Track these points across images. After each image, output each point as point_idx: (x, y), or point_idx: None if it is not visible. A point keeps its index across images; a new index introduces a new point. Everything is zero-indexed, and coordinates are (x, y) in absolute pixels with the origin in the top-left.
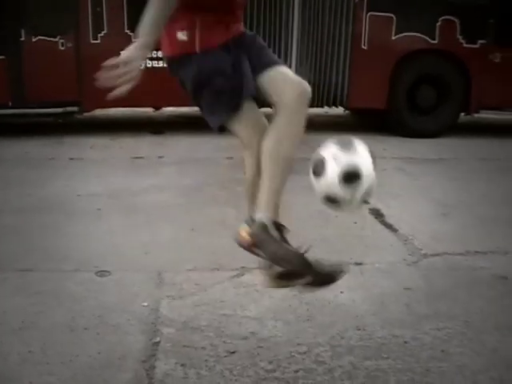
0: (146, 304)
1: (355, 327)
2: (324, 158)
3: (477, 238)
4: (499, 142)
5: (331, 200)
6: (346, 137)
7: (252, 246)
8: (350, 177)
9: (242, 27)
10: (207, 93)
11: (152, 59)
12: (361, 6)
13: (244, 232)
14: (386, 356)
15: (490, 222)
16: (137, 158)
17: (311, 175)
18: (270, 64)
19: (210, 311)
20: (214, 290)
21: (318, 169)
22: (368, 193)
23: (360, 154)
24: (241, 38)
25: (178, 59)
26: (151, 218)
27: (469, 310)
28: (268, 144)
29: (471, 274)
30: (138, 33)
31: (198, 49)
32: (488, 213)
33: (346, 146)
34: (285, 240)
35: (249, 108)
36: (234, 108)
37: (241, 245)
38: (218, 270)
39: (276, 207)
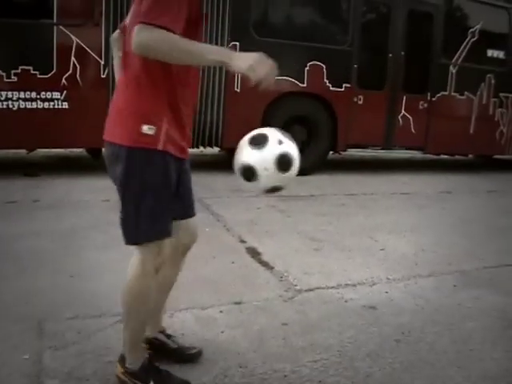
0: (27, 356)
1: (237, 364)
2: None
3: (346, 270)
4: (365, 177)
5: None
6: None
7: None
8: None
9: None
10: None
11: (25, 100)
12: (234, 50)
13: (119, 370)
14: None
15: (358, 255)
16: (10, 202)
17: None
18: (190, 210)
19: (95, 359)
20: (98, 337)
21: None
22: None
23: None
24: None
25: (137, 151)
26: (27, 265)
27: (342, 339)
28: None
29: (342, 306)
30: (222, 52)
31: (160, 146)
32: (355, 246)
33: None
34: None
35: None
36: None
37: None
38: (100, 316)
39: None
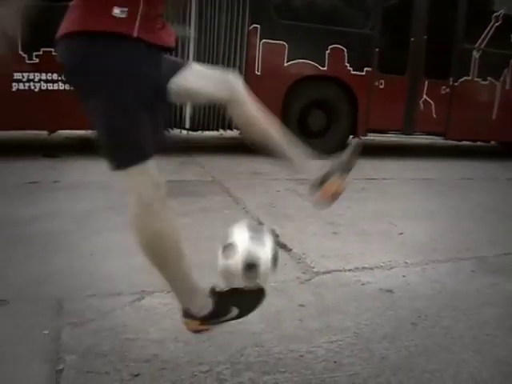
0: (46, 332)
1: (253, 344)
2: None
3: (364, 254)
4: (385, 162)
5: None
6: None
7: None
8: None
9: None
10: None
11: (47, 82)
12: (254, 33)
13: (192, 325)
14: (283, 370)
15: (376, 239)
16: (30, 182)
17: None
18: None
19: (112, 336)
20: (115, 315)
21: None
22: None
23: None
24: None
25: (104, 37)
26: (47, 245)
27: (358, 322)
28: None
29: (359, 289)
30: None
31: (135, 33)
32: (374, 230)
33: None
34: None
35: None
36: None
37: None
38: (119, 294)
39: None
